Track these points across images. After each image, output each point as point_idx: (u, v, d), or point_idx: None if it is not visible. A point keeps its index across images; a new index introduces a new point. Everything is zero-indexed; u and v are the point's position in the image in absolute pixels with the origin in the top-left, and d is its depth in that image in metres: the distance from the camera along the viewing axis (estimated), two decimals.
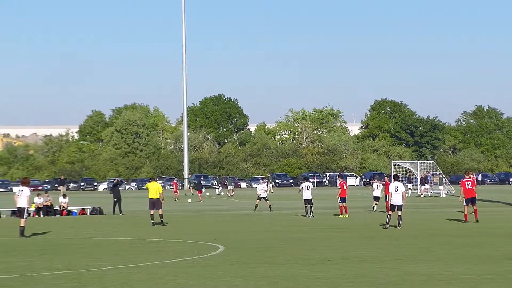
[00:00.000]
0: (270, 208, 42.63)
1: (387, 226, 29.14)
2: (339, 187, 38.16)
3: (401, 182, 35.03)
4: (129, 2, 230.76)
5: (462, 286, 14.79)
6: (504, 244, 22.61)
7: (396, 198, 29.20)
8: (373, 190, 41.26)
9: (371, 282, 15.34)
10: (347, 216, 36.52)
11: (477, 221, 31.54)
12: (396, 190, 29.34)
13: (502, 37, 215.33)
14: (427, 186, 63.37)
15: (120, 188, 46.27)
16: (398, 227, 28.81)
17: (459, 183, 41.09)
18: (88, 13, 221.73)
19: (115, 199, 43.33)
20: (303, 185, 37.62)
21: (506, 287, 14.76)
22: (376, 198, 40.94)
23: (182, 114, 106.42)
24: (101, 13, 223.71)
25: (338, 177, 42.25)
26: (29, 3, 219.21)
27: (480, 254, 20.06)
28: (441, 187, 64.44)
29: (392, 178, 31.75)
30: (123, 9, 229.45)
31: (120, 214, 42.25)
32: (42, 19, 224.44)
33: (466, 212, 32.42)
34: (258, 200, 43.24)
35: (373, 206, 41.08)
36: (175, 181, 72.20)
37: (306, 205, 36.96)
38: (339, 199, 37.50)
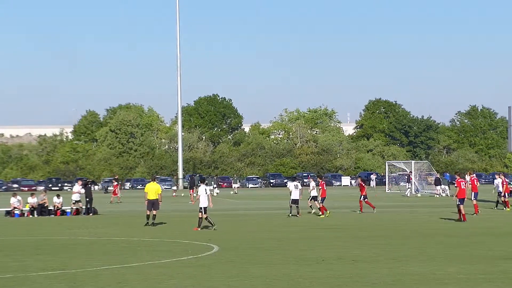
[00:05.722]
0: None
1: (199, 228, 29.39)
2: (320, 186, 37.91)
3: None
4: (123, 1, 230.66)
5: (456, 286, 14.84)
6: (497, 244, 22.69)
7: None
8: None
9: (365, 282, 15.36)
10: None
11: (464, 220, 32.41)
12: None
13: (496, 37, 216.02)
14: (443, 186, 63.63)
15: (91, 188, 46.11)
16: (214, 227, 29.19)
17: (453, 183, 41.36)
18: (82, 13, 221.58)
19: (87, 199, 43.13)
20: (291, 184, 37.37)
21: (499, 287, 14.81)
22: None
23: (177, 114, 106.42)
24: (95, 12, 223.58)
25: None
26: (25, 1, 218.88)
27: (473, 254, 20.12)
28: (438, 187, 64.65)
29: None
30: (118, 9, 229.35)
31: (90, 214, 42.11)
32: (38, 19, 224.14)
33: (464, 212, 32.88)
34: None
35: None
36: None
37: (292, 204, 36.61)
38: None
